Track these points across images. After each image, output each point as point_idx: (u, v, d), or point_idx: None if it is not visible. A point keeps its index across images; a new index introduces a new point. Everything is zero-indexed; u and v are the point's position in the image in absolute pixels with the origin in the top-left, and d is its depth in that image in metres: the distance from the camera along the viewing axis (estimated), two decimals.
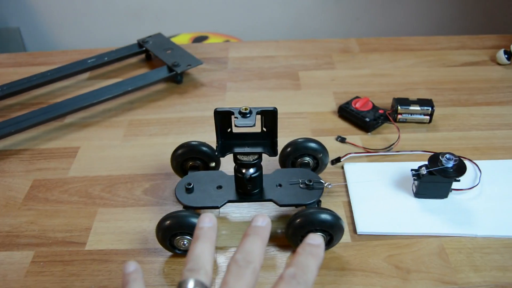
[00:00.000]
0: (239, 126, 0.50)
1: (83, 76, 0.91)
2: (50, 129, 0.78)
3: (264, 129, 0.55)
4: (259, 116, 0.53)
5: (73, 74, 0.89)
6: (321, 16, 1.76)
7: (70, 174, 0.70)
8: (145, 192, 0.66)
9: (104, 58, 0.90)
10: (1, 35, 1.77)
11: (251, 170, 0.55)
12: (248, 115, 0.51)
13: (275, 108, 0.52)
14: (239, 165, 0.55)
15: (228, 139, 0.55)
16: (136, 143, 0.74)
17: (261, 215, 0.39)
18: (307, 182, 0.58)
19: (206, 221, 0.39)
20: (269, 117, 0.53)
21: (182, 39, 1.38)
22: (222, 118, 0.53)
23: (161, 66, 0.87)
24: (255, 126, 0.50)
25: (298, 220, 0.53)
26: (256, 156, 0.54)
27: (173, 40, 1.42)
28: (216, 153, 0.54)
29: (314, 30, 1.79)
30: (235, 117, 0.51)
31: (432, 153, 0.69)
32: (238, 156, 0.54)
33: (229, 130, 0.55)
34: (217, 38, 1.41)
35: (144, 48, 0.92)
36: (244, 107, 0.51)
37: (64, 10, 1.75)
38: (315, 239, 0.37)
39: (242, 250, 0.36)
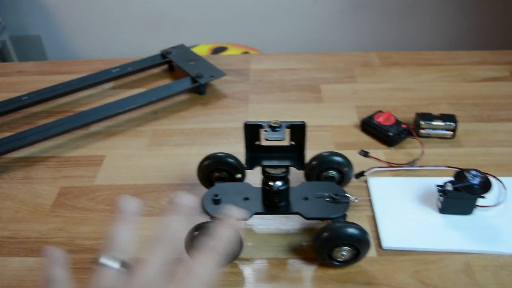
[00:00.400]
0: (269, 139, 0.51)
1: (107, 86, 0.92)
2: (76, 137, 0.80)
3: (292, 142, 0.55)
4: (287, 130, 0.54)
5: (98, 83, 0.90)
6: (338, 28, 1.77)
7: (96, 182, 0.71)
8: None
9: (128, 68, 0.92)
10: (22, 42, 1.80)
11: (279, 183, 0.56)
12: (277, 129, 0.52)
13: (304, 122, 0.53)
14: (267, 178, 0.56)
15: (256, 151, 0.56)
16: (161, 153, 0.75)
17: (181, 193, 0.40)
18: (333, 196, 0.58)
19: (130, 206, 0.40)
20: (298, 131, 0.54)
21: (201, 50, 1.40)
22: (251, 131, 0.54)
23: (184, 77, 0.88)
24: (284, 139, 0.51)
25: (326, 234, 0.53)
26: (284, 169, 0.55)
27: (193, 50, 1.44)
28: (245, 166, 0.55)
29: (331, 42, 1.80)
30: (265, 131, 0.52)
31: (456, 169, 0.69)
32: (266, 169, 0.55)
33: (257, 142, 0.56)
34: (236, 49, 1.42)
35: (167, 59, 0.94)
36: (274, 121, 0.52)
37: (84, 18, 1.78)
38: (235, 212, 0.40)
39: (162, 226, 0.38)
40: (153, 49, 0.98)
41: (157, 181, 0.70)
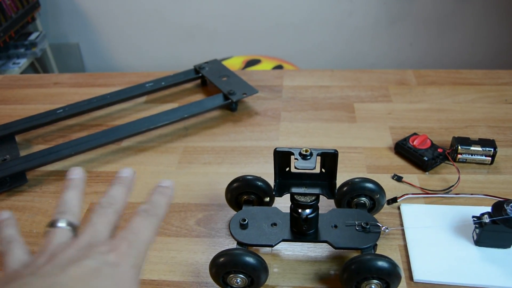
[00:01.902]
0: (299, 168, 0.50)
1: (140, 100, 0.93)
2: (107, 152, 0.80)
3: (323, 170, 0.54)
4: (318, 157, 0.53)
5: (131, 98, 0.91)
6: (373, 39, 1.74)
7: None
8: (198, 222, 0.66)
9: (162, 83, 0.92)
10: (62, 50, 1.85)
11: (308, 211, 0.55)
12: (308, 157, 0.51)
13: (336, 151, 0.52)
14: (296, 205, 0.54)
15: (286, 178, 0.55)
16: (190, 171, 0.75)
17: (126, 168, 0.46)
18: (363, 225, 0.57)
19: (75, 173, 0.44)
20: (329, 159, 0.53)
21: (234, 62, 1.40)
22: (282, 158, 0.53)
23: (216, 92, 0.88)
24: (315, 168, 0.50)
25: (355, 266, 0.52)
26: (313, 197, 0.54)
27: (226, 63, 1.44)
28: (274, 193, 0.54)
29: (365, 54, 1.78)
30: (295, 159, 0.51)
31: (494, 198, 0.67)
32: (295, 196, 0.54)
33: (287, 169, 0.55)
34: (270, 61, 1.41)
35: (200, 74, 0.94)
36: (305, 149, 0.51)
37: (121, 27, 1.81)
38: (166, 182, 0.44)
39: (106, 195, 0.42)
40: (188, 60, 0.98)
41: (185, 200, 0.70)
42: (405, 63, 1.76)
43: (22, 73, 1.63)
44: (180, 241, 0.63)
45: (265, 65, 1.38)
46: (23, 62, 1.65)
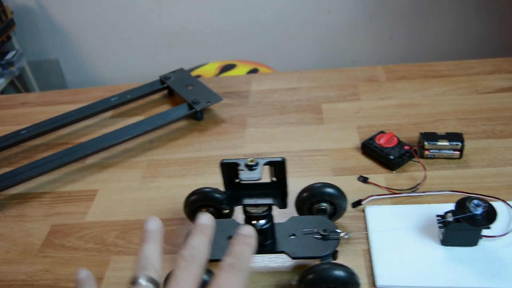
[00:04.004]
0: (244, 180, 0.48)
1: (106, 114, 0.91)
2: (71, 171, 0.79)
3: (274, 179, 0.52)
4: (268, 166, 0.51)
5: (97, 113, 0.89)
6: (353, 36, 1.72)
7: (87, 218, 0.69)
8: None
9: (127, 96, 0.91)
10: (41, 67, 1.84)
11: (262, 222, 0.53)
12: (254, 167, 0.49)
13: (283, 159, 0.50)
14: (248, 217, 0.53)
15: (237, 189, 0.53)
16: (154, 185, 0.73)
17: (202, 214, 0.42)
18: (322, 232, 0.55)
19: (152, 225, 0.42)
20: (278, 167, 0.51)
21: (210, 68, 1.38)
22: (229, 169, 0.51)
23: (182, 102, 0.87)
24: (261, 178, 0.48)
25: (310, 277, 0.50)
26: (265, 208, 0.52)
27: (202, 69, 1.43)
28: (223, 206, 0.52)
29: (346, 51, 1.76)
30: (241, 170, 0.49)
31: (462, 194, 0.65)
32: (246, 208, 0.52)
33: (237, 180, 0.53)
34: (245, 66, 1.40)
35: (166, 85, 0.92)
36: (250, 159, 0.49)
37: (100, 40, 1.80)
38: (247, 230, 0.41)
39: (188, 246, 0.39)
40: (169, 68, 0.97)
41: (147, 216, 0.67)
42: (387, 57, 1.74)
43: (1, 92, 1.62)
44: None
45: (240, 70, 1.37)
46: (1, 81, 1.64)
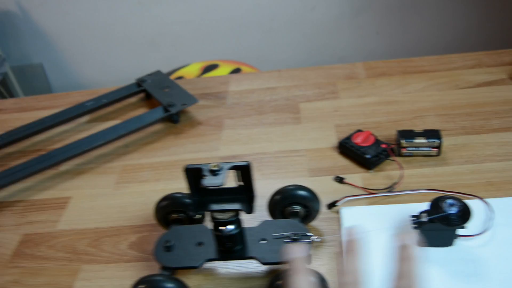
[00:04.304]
0: (206, 186, 0.47)
1: (83, 119, 0.90)
2: (45, 178, 0.77)
3: (241, 183, 0.51)
4: (234, 171, 0.49)
5: (72, 118, 0.88)
6: (339, 32, 1.70)
7: (59, 227, 0.68)
8: (131, 246, 0.63)
9: (103, 100, 0.89)
10: (25, 72, 1.82)
11: (230, 227, 0.51)
12: (218, 173, 0.48)
13: (248, 163, 0.49)
14: (216, 223, 0.51)
15: (203, 195, 0.52)
16: (127, 191, 0.72)
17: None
18: (293, 236, 0.53)
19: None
20: (244, 172, 0.49)
21: (192, 69, 1.36)
22: (195, 175, 0.50)
23: (159, 105, 0.85)
24: (225, 184, 0.47)
25: (279, 283, 0.48)
26: (233, 213, 0.51)
27: (184, 70, 1.41)
28: (190, 212, 0.51)
29: (333, 47, 1.74)
30: (204, 175, 0.48)
31: (439, 192, 0.63)
32: (213, 214, 0.51)
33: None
34: (228, 66, 1.38)
35: (142, 88, 0.90)
36: (213, 164, 0.48)
37: (84, 43, 1.78)
38: (405, 240, 0.36)
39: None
40: (154, 69, 0.96)
41: (119, 223, 0.66)
42: (374, 53, 1.73)
43: None
44: (110, 268, 0.60)
45: (223, 70, 1.35)
46: None
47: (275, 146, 0.75)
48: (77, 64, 1.82)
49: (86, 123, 0.89)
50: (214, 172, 0.48)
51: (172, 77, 1.38)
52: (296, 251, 0.38)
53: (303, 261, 0.38)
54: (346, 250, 0.37)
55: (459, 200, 0.54)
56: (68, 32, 1.74)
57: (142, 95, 0.93)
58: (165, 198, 0.60)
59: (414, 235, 0.35)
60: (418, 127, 0.75)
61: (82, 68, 1.84)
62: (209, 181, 0.47)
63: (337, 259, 0.36)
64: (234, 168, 0.49)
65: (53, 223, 0.68)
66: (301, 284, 0.36)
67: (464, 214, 0.53)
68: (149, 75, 0.93)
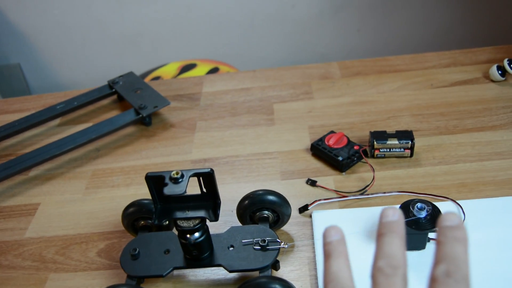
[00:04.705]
0: (167, 194, 0.45)
1: (54, 123, 0.88)
2: (14, 184, 0.75)
3: (205, 190, 0.50)
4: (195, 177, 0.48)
5: (43, 122, 0.86)
6: (319, 30, 1.69)
7: (27, 234, 0.66)
8: (99, 253, 0.61)
9: (74, 103, 0.87)
10: (2, 72, 1.78)
11: (196, 235, 0.50)
12: (180, 180, 0.46)
13: (212, 170, 0.48)
14: (181, 231, 0.50)
15: (167, 202, 0.51)
16: (97, 196, 0.70)
17: (390, 208, 0.33)
18: (261, 243, 0.53)
19: (333, 234, 0.34)
20: (207, 179, 0.48)
21: (170, 69, 1.35)
22: (157, 182, 0.49)
23: (130, 108, 0.83)
24: (186, 192, 0.46)
25: None
26: (197, 221, 0.49)
27: (161, 70, 1.39)
28: (152, 221, 0.49)
29: (313, 45, 1.73)
30: (165, 183, 0.46)
31: (411, 194, 0.63)
32: (177, 222, 0.50)
33: None
34: (206, 65, 1.37)
35: (114, 90, 0.89)
36: (175, 172, 0.47)
37: (62, 43, 1.74)
38: (452, 219, 0.31)
39: (382, 254, 0.31)
40: (133, 69, 0.94)
41: (88, 230, 0.65)
42: (356, 51, 1.72)
43: None
44: (78, 277, 0.59)
45: (201, 70, 1.34)
46: None
47: (247, 148, 0.74)
48: (55, 64, 1.79)
49: (57, 127, 0.87)
50: (175, 180, 0.46)
51: (150, 77, 1.36)
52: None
53: (343, 244, 0.34)
54: (385, 230, 0.32)
55: (429, 203, 0.54)
56: (46, 32, 1.71)
57: (114, 97, 0.92)
58: (132, 205, 0.59)
59: (458, 216, 0.31)
60: (392, 127, 0.75)
61: (61, 68, 1.81)
62: (170, 189, 0.46)
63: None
64: (196, 175, 0.48)
65: (21, 230, 0.67)
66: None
67: (434, 218, 0.53)
68: (121, 76, 0.91)
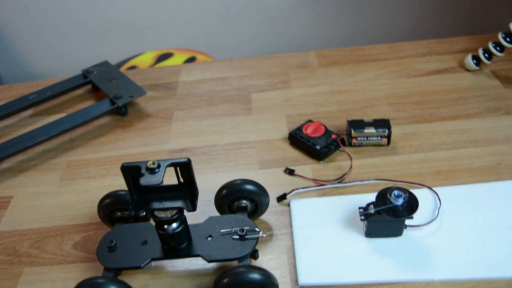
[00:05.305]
0: (143, 184, 0.45)
1: (26, 113, 0.86)
2: None
3: (182, 180, 0.49)
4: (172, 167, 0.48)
5: (15, 112, 0.83)
6: (297, 19, 1.69)
7: None
8: (75, 246, 0.60)
9: (47, 93, 0.85)
10: None
11: (174, 225, 0.50)
12: (156, 170, 0.46)
13: (188, 160, 0.47)
14: (158, 222, 0.49)
15: (144, 193, 0.50)
16: (72, 188, 0.69)
17: None
18: (239, 232, 0.52)
19: None
20: (184, 169, 0.48)
21: (146, 58, 1.33)
22: (132, 173, 0.48)
23: (106, 97, 0.82)
24: (163, 182, 0.45)
25: (224, 281, 0.47)
26: (175, 211, 0.49)
27: (137, 59, 1.37)
28: (128, 212, 0.49)
29: (291, 35, 1.73)
30: (142, 174, 0.46)
31: (388, 182, 0.64)
32: (154, 213, 0.49)
33: None
34: (182, 54, 1.35)
35: (88, 79, 0.87)
36: (151, 162, 0.46)
37: (34, 31, 1.70)
38: None
39: None
40: (108, 58, 0.92)
41: (63, 223, 0.64)
42: (333, 40, 1.72)
43: None
44: (54, 270, 0.58)
45: (177, 59, 1.32)
46: None
47: (225, 138, 0.74)
48: (28, 53, 1.75)
49: (29, 117, 0.85)
50: (152, 170, 0.46)
51: (125, 66, 1.33)
52: None
53: None
54: None
55: (406, 191, 0.54)
56: (16, 20, 1.67)
57: (88, 87, 0.90)
58: (108, 196, 0.58)
59: None
60: (369, 116, 0.75)
61: (34, 57, 1.77)
62: (147, 179, 0.45)
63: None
64: (173, 165, 0.47)
65: None
66: None
67: (411, 205, 0.53)
68: (96, 65, 0.90)
